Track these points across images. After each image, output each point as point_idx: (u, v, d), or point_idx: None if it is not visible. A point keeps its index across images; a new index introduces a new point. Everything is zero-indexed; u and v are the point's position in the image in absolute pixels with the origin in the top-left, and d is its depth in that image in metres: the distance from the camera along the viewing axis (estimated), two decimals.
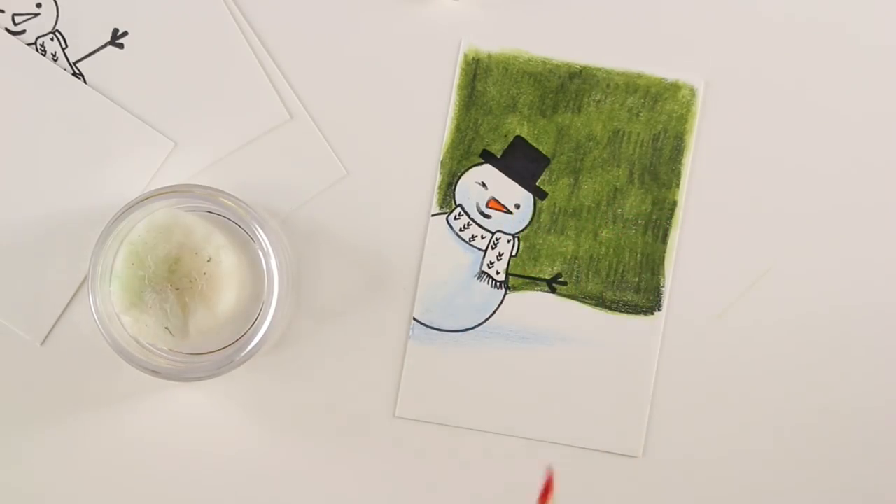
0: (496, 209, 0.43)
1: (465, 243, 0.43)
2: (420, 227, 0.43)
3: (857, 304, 0.43)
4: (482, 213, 0.43)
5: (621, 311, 0.43)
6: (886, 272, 0.43)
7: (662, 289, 0.43)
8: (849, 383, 0.43)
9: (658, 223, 0.43)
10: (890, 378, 0.43)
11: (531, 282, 0.43)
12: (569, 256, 0.43)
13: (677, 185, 0.43)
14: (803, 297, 0.43)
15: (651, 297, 0.43)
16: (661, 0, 0.43)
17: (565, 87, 0.43)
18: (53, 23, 0.42)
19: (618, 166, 0.43)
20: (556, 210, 0.43)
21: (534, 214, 0.43)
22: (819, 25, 0.43)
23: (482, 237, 0.43)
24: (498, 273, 0.43)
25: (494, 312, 0.43)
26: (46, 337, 0.42)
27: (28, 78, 0.42)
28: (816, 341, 0.43)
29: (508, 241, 0.43)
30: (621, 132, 0.43)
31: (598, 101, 0.43)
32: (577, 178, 0.43)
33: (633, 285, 0.43)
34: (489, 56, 0.43)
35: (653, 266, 0.43)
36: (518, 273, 0.43)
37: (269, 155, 0.43)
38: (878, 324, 0.43)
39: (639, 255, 0.43)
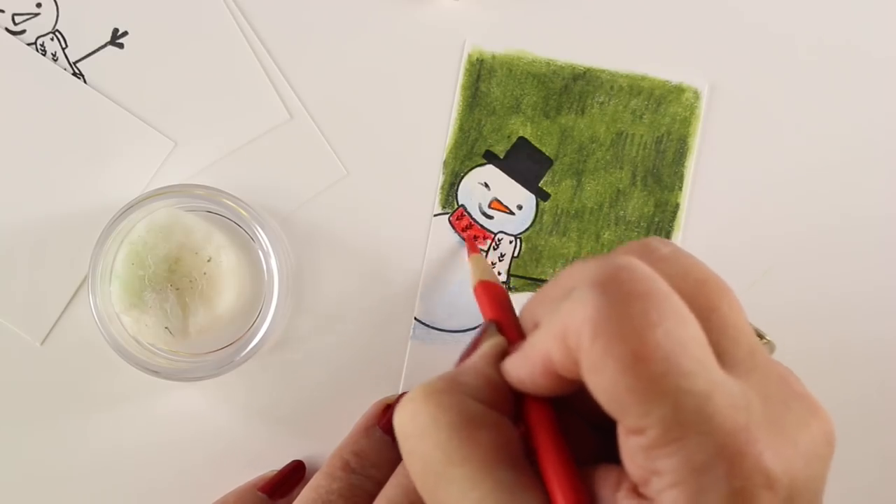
0: (499, 210, 0.43)
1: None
2: (422, 228, 0.43)
3: (858, 305, 0.43)
4: (484, 214, 0.43)
5: None
6: (887, 274, 0.43)
7: None
8: (849, 384, 0.43)
9: (660, 226, 0.43)
10: (890, 380, 0.43)
11: (533, 283, 0.43)
12: (571, 258, 0.43)
13: (680, 188, 0.43)
14: (803, 299, 0.43)
15: None
16: (666, 2, 0.43)
17: (569, 88, 0.43)
18: (53, 23, 0.42)
19: (621, 168, 0.43)
20: (559, 211, 0.43)
21: (536, 216, 0.43)
22: (823, 30, 0.43)
23: (484, 238, 0.43)
24: (500, 274, 0.43)
25: None
26: (46, 337, 0.42)
27: (28, 78, 0.42)
28: (816, 342, 0.43)
29: (510, 242, 0.43)
30: (625, 134, 0.43)
31: (602, 103, 0.43)
32: (579, 179, 0.43)
33: None
34: (493, 57, 0.43)
35: None
36: (520, 274, 0.43)
37: (269, 155, 0.43)
38: (878, 325, 0.43)
39: None
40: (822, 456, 0.23)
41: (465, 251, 0.43)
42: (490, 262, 0.43)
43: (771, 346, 0.36)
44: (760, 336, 0.36)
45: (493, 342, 0.28)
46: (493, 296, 0.34)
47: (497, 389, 0.26)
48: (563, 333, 0.23)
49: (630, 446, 0.22)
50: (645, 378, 0.21)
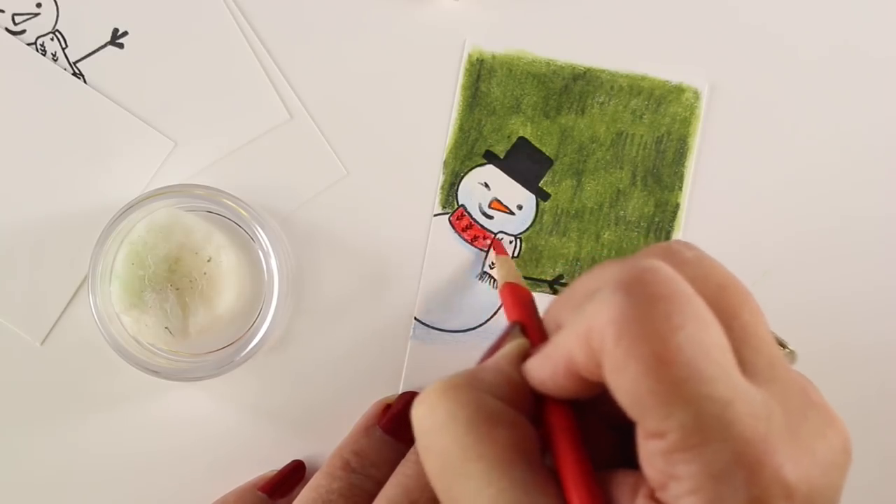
0: (499, 210, 0.43)
1: (467, 244, 0.43)
2: (422, 228, 0.43)
3: (857, 306, 0.43)
4: (484, 214, 0.43)
5: None
6: (887, 275, 0.43)
7: None
8: (849, 384, 0.43)
9: (661, 226, 0.43)
10: (891, 381, 0.43)
11: (533, 283, 0.43)
12: (571, 258, 0.43)
13: (680, 188, 0.43)
14: (803, 299, 0.43)
15: None
16: (665, 2, 0.43)
17: (569, 88, 0.43)
18: (53, 23, 0.42)
19: (621, 168, 0.43)
20: (559, 211, 0.43)
21: (536, 216, 0.43)
22: (823, 30, 0.43)
23: (484, 238, 0.43)
24: None
25: (496, 313, 0.43)
26: (46, 337, 0.42)
27: (28, 78, 0.42)
28: (816, 343, 0.43)
29: (510, 242, 0.43)
30: (625, 134, 0.43)
31: (602, 103, 0.43)
32: (579, 179, 0.43)
33: None
34: (493, 57, 0.43)
35: None
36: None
37: (269, 155, 0.43)
38: (878, 325, 0.43)
39: None
40: (839, 465, 0.23)
41: (465, 252, 0.43)
42: (490, 263, 0.43)
43: (793, 356, 0.36)
44: (783, 345, 0.36)
45: (515, 343, 0.28)
46: (518, 298, 0.34)
47: (517, 389, 0.26)
48: (587, 334, 0.23)
49: (649, 450, 0.22)
50: (667, 381, 0.21)
